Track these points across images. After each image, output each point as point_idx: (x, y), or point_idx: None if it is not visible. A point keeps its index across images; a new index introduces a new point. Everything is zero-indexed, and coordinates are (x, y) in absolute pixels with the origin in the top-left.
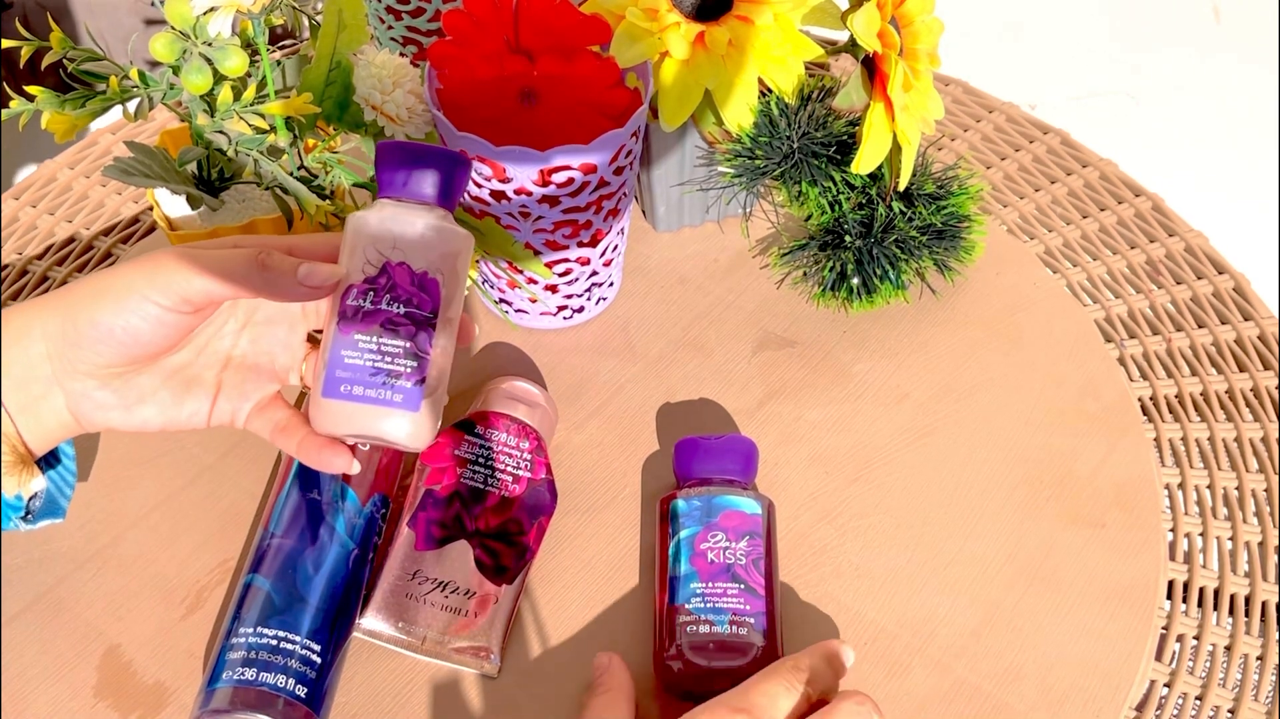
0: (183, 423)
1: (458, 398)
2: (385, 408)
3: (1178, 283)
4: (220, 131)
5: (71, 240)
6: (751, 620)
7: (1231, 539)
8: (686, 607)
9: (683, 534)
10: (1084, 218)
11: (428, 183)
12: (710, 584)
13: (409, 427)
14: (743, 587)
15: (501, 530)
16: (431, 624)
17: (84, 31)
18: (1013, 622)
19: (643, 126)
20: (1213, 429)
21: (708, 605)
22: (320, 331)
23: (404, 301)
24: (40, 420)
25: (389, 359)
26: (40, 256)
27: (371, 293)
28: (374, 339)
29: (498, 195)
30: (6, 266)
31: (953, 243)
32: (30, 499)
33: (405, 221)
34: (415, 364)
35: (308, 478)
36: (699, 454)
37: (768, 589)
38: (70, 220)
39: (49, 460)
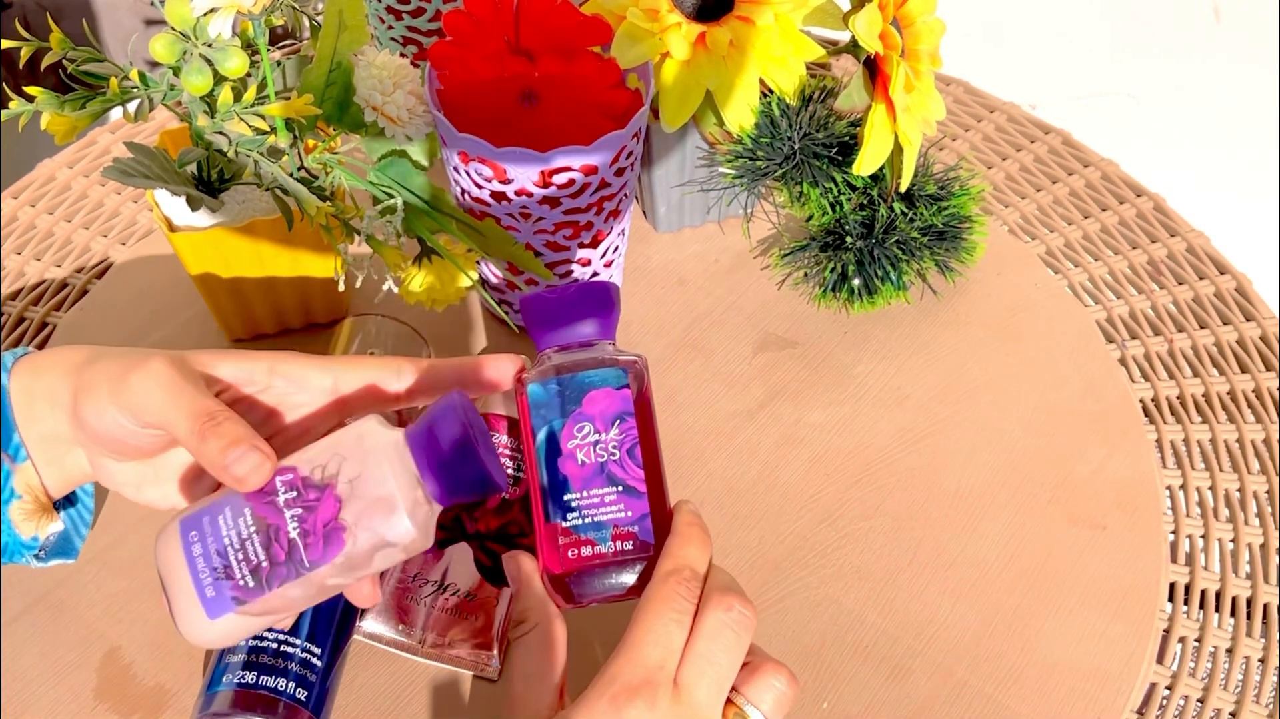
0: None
1: None
2: (197, 596)
3: (1179, 283)
4: (220, 132)
5: (84, 260)
6: (635, 528)
7: (1233, 541)
8: (563, 525)
9: (545, 431)
10: (1085, 218)
11: (441, 479)
12: (585, 493)
13: (203, 629)
14: (621, 488)
15: (501, 532)
16: (431, 626)
17: (84, 32)
18: (1014, 624)
19: (644, 127)
20: (1214, 430)
21: (586, 521)
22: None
23: (301, 533)
24: (65, 470)
25: (239, 556)
26: (39, 258)
27: (293, 493)
28: (248, 528)
29: (498, 196)
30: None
31: (954, 243)
32: (45, 538)
33: (384, 486)
34: (251, 584)
35: None
36: (545, 313)
37: (649, 479)
38: (69, 220)
39: (68, 499)
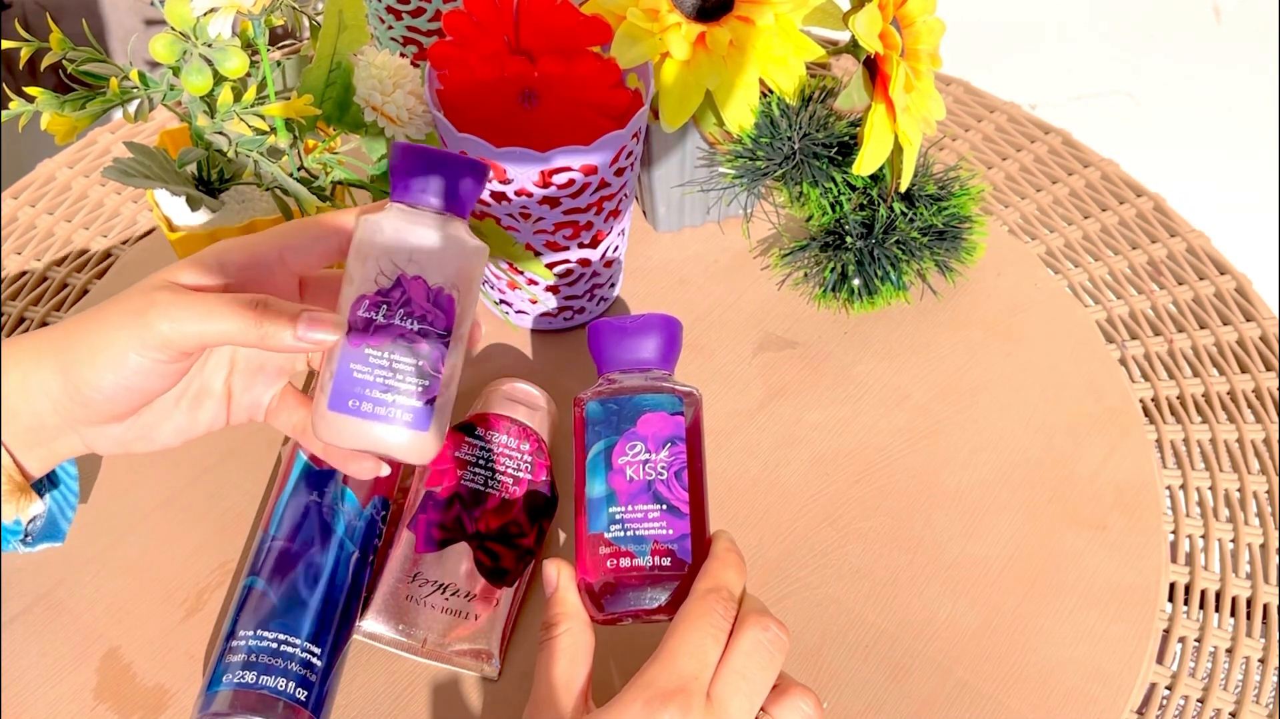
0: (202, 431)
1: (458, 400)
2: (392, 424)
3: (1179, 283)
4: (220, 132)
5: (84, 253)
6: (674, 547)
7: (1233, 541)
8: (606, 536)
9: (598, 446)
10: (1085, 218)
11: (446, 191)
12: (630, 507)
13: (417, 444)
14: (665, 507)
15: (502, 532)
16: (431, 627)
17: (84, 32)
18: (1014, 624)
19: (644, 127)
20: (1214, 430)
21: (628, 534)
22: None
23: (418, 318)
24: (52, 451)
25: (399, 376)
26: (39, 257)
27: (385, 306)
28: (385, 354)
29: (498, 196)
30: (23, 275)
31: (954, 243)
32: (29, 522)
33: (422, 233)
34: (426, 383)
35: (308, 480)
36: (611, 339)
37: (692, 502)
38: (69, 220)
39: (50, 480)
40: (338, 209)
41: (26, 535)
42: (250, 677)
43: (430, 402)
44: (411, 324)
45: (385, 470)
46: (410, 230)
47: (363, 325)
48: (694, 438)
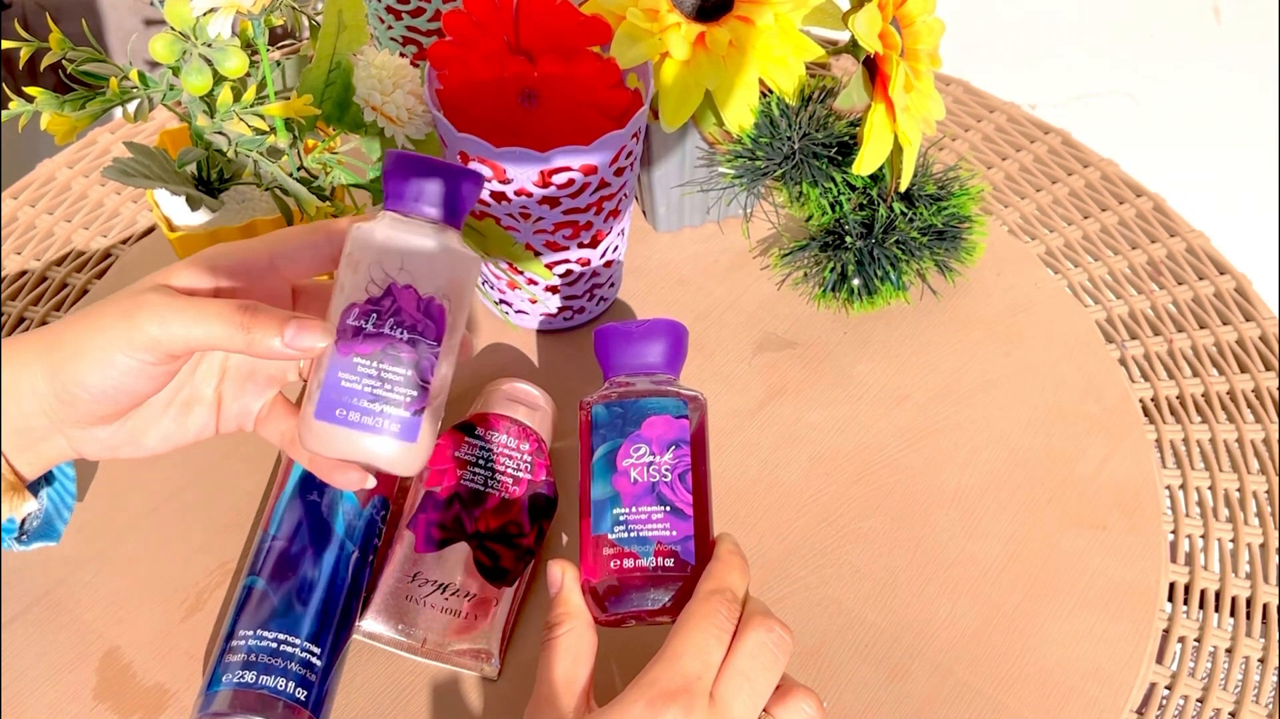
0: (191, 438)
1: (457, 399)
2: (380, 435)
3: (1179, 283)
4: (220, 132)
5: (81, 254)
6: (678, 548)
7: (1233, 541)
8: (609, 537)
9: (603, 449)
10: (1085, 218)
11: (440, 200)
12: (634, 509)
13: (404, 455)
14: (669, 509)
15: (502, 532)
16: (431, 627)
17: (84, 32)
18: (1013, 624)
19: (643, 127)
20: (1214, 430)
21: (631, 535)
22: None
23: (408, 327)
24: (41, 454)
25: (388, 386)
26: (39, 258)
27: (374, 315)
28: (374, 364)
29: (498, 196)
30: (23, 274)
31: (954, 243)
32: (24, 521)
33: (414, 242)
34: (415, 393)
35: (308, 480)
36: (617, 343)
37: (696, 505)
38: (69, 220)
39: (46, 479)
40: (335, 215)
41: (22, 534)
42: (250, 676)
43: (419, 412)
44: (401, 333)
45: (371, 483)
46: (402, 239)
47: (352, 334)
48: (698, 441)
